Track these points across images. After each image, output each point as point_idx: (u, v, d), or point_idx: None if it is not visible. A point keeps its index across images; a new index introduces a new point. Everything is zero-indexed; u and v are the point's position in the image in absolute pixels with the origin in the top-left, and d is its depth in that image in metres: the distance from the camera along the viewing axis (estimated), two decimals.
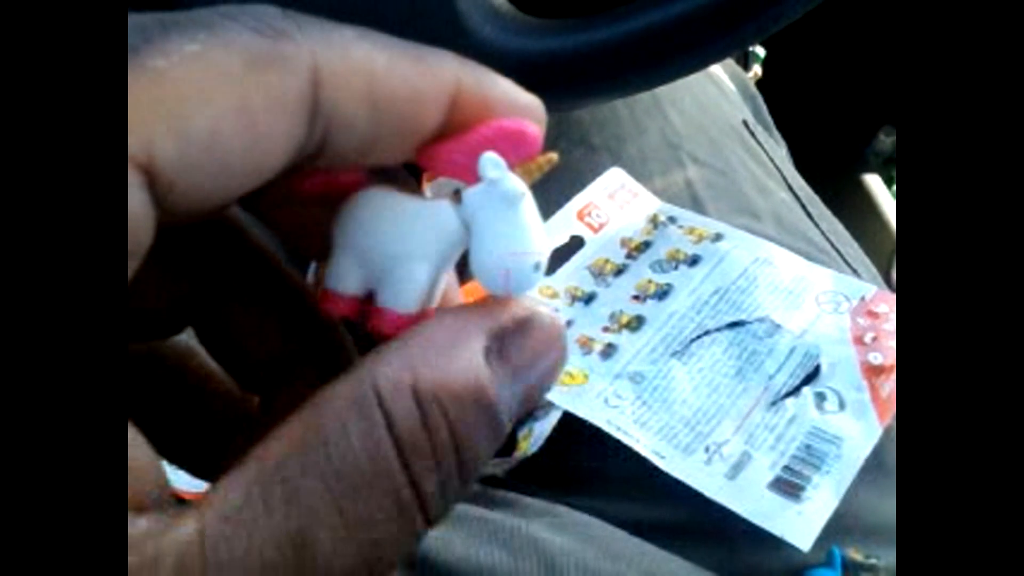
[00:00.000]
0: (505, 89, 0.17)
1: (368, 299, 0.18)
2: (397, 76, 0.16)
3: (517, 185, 0.17)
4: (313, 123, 0.15)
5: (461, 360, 0.16)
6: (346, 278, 0.18)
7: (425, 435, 0.15)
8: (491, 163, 0.17)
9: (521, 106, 0.17)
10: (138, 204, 0.14)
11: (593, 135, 0.56)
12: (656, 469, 0.40)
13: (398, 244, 0.17)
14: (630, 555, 0.37)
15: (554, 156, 0.17)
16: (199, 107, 0.14)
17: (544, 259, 0.17)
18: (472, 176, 0.17)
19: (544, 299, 0.49)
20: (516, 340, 0.17)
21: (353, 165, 0.17)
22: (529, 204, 0.17)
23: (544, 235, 0.17)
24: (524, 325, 0.17)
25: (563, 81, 0.42)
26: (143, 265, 0.15)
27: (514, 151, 0.17)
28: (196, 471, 0.22)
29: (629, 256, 0.51)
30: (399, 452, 0.15)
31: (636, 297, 0.48)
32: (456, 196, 0.17)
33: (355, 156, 0.16)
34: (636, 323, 0.47)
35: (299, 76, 0.15)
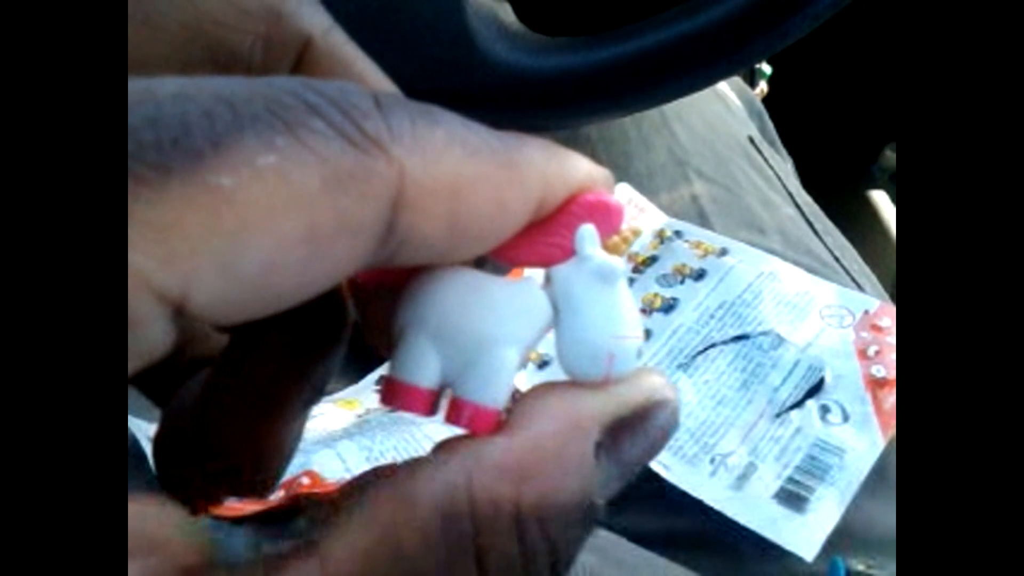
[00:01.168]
0: (583, 169, 0.15)
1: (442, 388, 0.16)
2: (483, 192, 0.14)
3: (614, 262, 0.15)
4: (384, 244, 0.13)
5: (571, 470, 0.14)
6: (424, 369, 0.15)
7: (522, 559, 0.14)
8: (589, 237, 0.15)
9: (599, 183, 0.16)
10: (159, 332, 0.12)
11: (600, 152, 0.56)
12: (662, 480, 0.41)
13: (485, 328, 0.15)
14: (635, 564, 0.38)
15: (640, 228, 0.17)
16: (258, 239, 0.12)
17: (643, 344, 0.16)
18: (557, 259, 0.15)
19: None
20: (632, 433, 0.15)
21: None
22: (624, 282, 0.15)
23: (639, 317, 0.16)
24: (643, 415, 0.15)
25: (572, 98, 0.42)
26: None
27: (601, 226, 0.15)
28: (150, 393, 0.19)
29: (636, 270, 0.51)
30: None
31: (643, 311, 0.49)
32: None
33: (422, 262, 0.14)
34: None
35: (380, 200, 0.13)
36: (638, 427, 0.15)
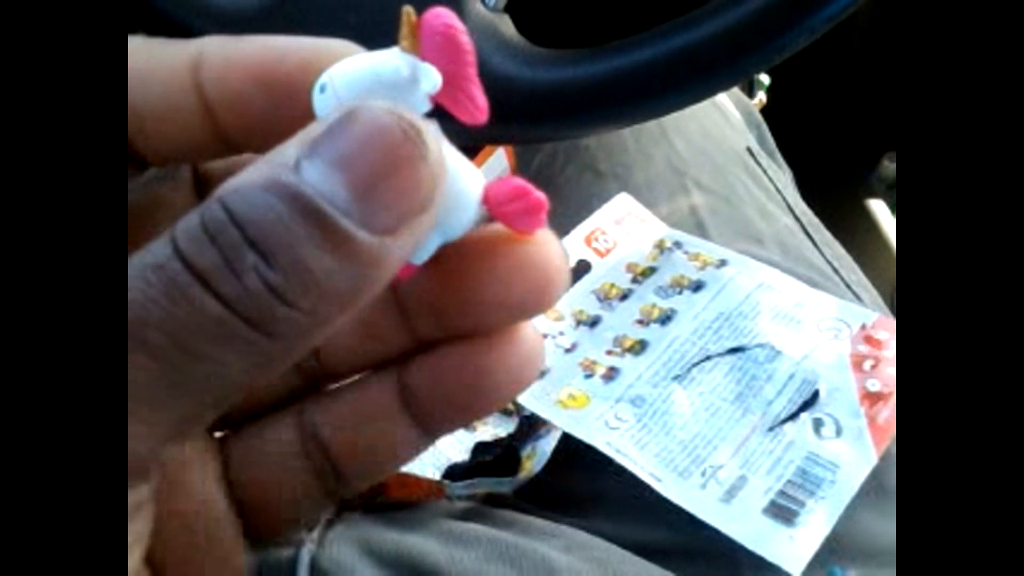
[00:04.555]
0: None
1: None
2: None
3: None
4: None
5: (259, 169, 0.15)
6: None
7: (199, 223, 0.15)
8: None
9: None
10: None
11: (600, 161, 0.57)
12: (653, 491, 0.41)
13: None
14: (634, 575, 0.38)
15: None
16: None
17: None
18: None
19: (549, 321, 0.50)
20: (330, 138, 0.15)
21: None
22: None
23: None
24: (340, 123, 0.15)
25: (572, 110, 0.43)
26: None
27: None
28: None
29: (635, 281, 0.52)
30: (172, 242, 0.15)
31: (640, 321, 0.49)
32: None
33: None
34: (639, 347, 0.48)
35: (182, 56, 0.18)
36: (334, 133, 0.15)
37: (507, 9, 0.44)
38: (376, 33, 0.43)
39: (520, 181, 0.18)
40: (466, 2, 0.42)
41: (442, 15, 0.16)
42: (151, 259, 0.15)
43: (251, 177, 0.15)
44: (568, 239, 0.52)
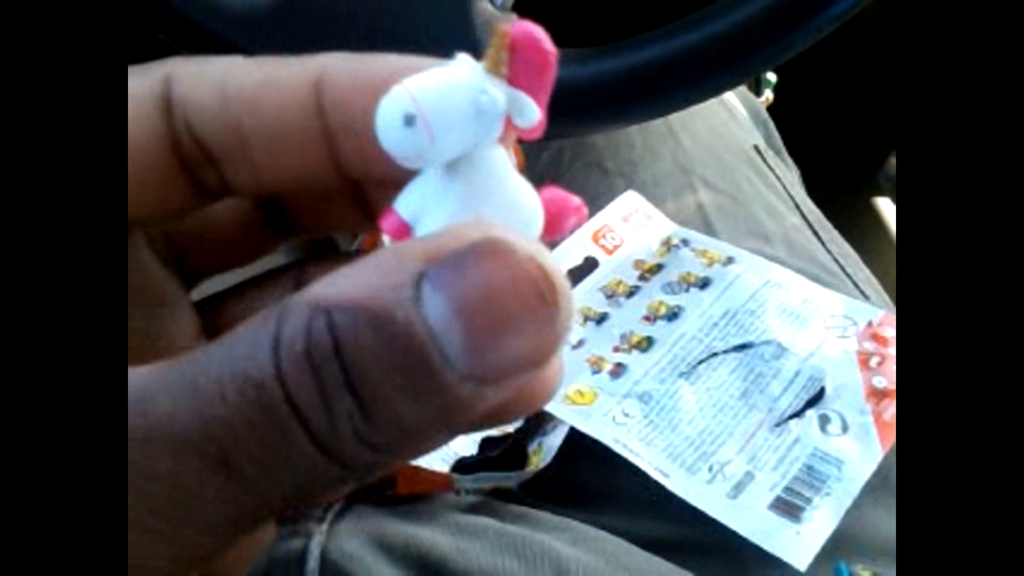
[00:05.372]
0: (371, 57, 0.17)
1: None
2: (249, 72, 0.17)
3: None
4: (167, 112, 0.17)
5: (374, 280, 0.13)
6: (408, 197, 0.16)
7: (304, 345, 0.13)
8: None
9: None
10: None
11: (607, 159, 0.57)
12: (661, 487, 0.41)
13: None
14: (642, 568, 0.38)
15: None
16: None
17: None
18: None
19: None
20: (458, 267, 0.13)
21: None
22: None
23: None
24: (474, 255, 0.14)
25: (579, 108, 0.43)
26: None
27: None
28: None
29: (642, 278, 0.52)
30: (275, 356, 0.13)
31: (647, 318, 0.49)
32: None
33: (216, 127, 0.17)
34: (646, 344, 0.48)
35: (152, 78, 0.17)
36: (463, 263, 0.13)
37: (515, 8, 0.44)
38: (385, 34, 0.43)
39: (568, 196, 0.17)
40: (474, 1, 0.42)
41: (535, 35, 0.15)
42: (254, 369, 0.13)
43: (365, 293, 0.13)
44: (576, 236, 0.53)
